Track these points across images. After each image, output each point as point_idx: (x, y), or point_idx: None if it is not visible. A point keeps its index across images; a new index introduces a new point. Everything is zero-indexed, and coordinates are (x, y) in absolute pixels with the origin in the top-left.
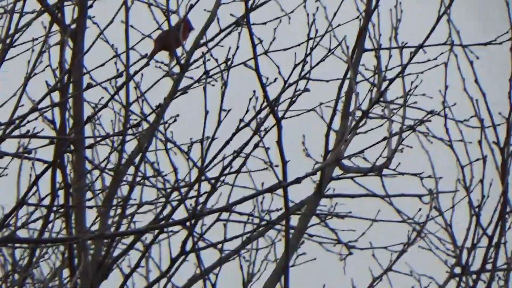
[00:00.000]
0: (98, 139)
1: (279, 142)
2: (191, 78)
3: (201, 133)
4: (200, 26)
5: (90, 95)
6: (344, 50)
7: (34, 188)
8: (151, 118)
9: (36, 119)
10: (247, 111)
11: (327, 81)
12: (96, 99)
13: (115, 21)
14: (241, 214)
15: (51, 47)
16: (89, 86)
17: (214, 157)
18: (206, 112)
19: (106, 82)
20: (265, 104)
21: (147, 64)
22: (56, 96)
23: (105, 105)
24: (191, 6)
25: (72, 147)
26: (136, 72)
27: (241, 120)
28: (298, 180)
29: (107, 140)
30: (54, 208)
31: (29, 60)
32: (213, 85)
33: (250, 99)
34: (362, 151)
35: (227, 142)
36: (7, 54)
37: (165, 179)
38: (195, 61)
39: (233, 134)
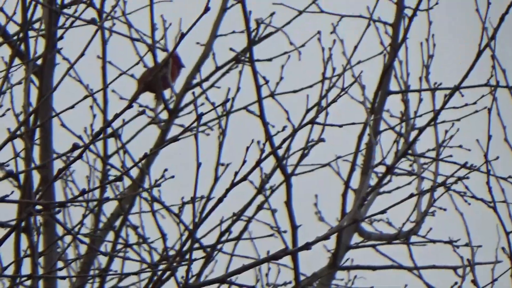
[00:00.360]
0: (71, 197)
1: (288, 203)
2: (182, 125)
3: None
4: (193, 63)
5: (59, 145)
6: (365, 92)
7: None
8: (134, 173)
9: None
10: (243, 164)
11: (340, 126)
12: (67, 149)
13: (89, 55)
14: (241, 286)
15: (13, 86)
16: (75, 147)
17: (205, 218)
18: (198, 166)
19: (80, 129)
20: (271, 156)
21: (128, 107)
22: (19, 144)
23: (79, 157)
24: (181, 36)
25: (39, 207)
26: (115, 117)
27: (238, 176)
28: (307, 246)
29: (81, 199)
30: (18, 280)
31: None
32: (208, 134)
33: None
34: (383, 211)
35: (220, 200)
36: None
37: (152, 246)
38: (186, 105)
39: (227, 190)
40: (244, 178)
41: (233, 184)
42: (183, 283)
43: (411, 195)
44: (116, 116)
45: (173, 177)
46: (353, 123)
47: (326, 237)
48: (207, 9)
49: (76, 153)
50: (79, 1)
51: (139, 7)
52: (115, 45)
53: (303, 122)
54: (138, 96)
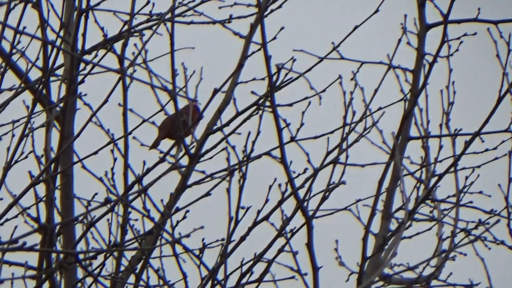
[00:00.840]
0: (99, 249)
1: (309, 245)
2: (203, 172)
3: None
4: (213, 110)
5: (80, 187)
6: (385, 137)
7: None
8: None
9: (16, 216)
10: (266, 203)
11: (363, 165)
12: (87, 194)
13: (110, 101)
14: None
15: (34, 130)
16: (107, 201)
17: (226, 258)
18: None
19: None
20: (292, 200)
21: (159, 162)
22: (41, 188)
23: (110, 210)
24: (214, 92)
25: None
26: (147, 172)
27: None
28: None
29: (101, 242)
30: None
31: (8, 147)
32: (228, 181)
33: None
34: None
35: (242, 239)
36: None
37: None
38: (207, 151)
39: (250, 229)
40: (266, 218)
41: (255, 223)
42: None
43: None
44: (148, 170)
45: (188, 211)
46: (375, 163)
47: None
48: (241, 65)
49: (97, 197)
50: (100, 47)
51: (160, 55)
52: (135, 92)
53: (324, 163)
54: (159, 143)
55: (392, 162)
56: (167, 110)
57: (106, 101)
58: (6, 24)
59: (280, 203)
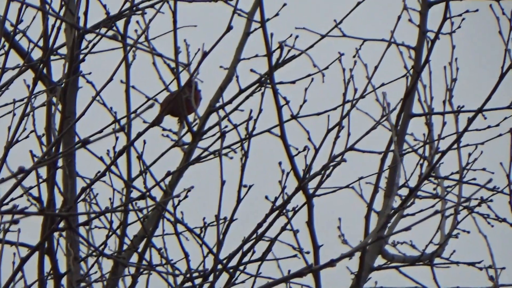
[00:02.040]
0: (94, 216)
1: (309, 224)
2: (205, 149)
3: (218, 209)
4: (216, 87)
5: (82, 166)
6: (388, 114)
7: (19, 275)
8: (158, 195)
9: (21, 196)
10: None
11: (367, 151)
12: (90, 173)
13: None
14: None
15: (35, 109)
16: (85, 141)
17: (223, 238)
18: (222, 184)
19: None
20: (293, 178)
21: (151, 126)
22: (43, 169)
23: (102, 175)
24: (204, 55)
25: (62, 226)
26: (138, 136)
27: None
28: (332, 263)
29: (104, 220)
30: None
31: (9, 126)
32: (231, 158)
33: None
34: (408, 228)
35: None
36: None
37: (175, 267)
38: (210, 128)
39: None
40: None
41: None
42: None
43: (436, 212)
44: (139, 134)
45: (192, 187)
46: (378, 153)
47: (350, 254)
48: (229, 28)
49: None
50: (102, 25)
51: (162, 33)
52: (137, 70)
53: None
54: (161, 119)
55: (395, 139)
56: (169, 87)
57: (110, 79)
58: None
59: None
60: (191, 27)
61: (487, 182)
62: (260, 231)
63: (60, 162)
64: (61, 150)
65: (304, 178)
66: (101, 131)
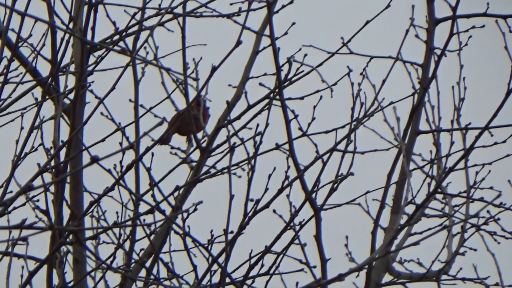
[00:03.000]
0: (101, 230)
1: (317, 237)
2: (213, 166)
3: (224, 226)
4: (225, 105)
5: (90, 182)
6: (395, 132)
7: None
8: (163, 208)
9: (24, 204)
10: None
11: (363, 153)
12: (97, 187)
13: (122, 98)
14: None
15: (43, 122)
16: (94, 160)
17: (230, 250)
18: (231, 198)
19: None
20: (301, 191)
21: (158, 141)
22: (49, 179)
23: (111, 189)
24: (213, 70)
25: (70, 240)
26: (146, 150)
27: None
28: (340, 277)
29: (112, 236)
30: None
31: (17, 140)
32: (240, 177)
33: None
34: (416, 243)
35: (243, 227)
36: None
37: (183, 279)
38: (218, 145)
39: (250, 218)
40: (266, 206)
41: (255, 212)
42: None
43: (444, 227)
44: (148, 149)
45: (201, 201)
46: (376, 150)
47: (359, 268)
48: (238, 43)
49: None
50: (111, 40)
51: (170, 51)
52: (146, 89)
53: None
54: (170, 138)
55: (401, 155)
56: (178, 106)
57: (113, 88)
58: (13, 9)
59: (280, 191)
60: (201, 45)
61: (495, 197)
62: (267, 244)
63: (68, 178)
64: (69, 167)
65: (312, 191)
66: (104, 140)
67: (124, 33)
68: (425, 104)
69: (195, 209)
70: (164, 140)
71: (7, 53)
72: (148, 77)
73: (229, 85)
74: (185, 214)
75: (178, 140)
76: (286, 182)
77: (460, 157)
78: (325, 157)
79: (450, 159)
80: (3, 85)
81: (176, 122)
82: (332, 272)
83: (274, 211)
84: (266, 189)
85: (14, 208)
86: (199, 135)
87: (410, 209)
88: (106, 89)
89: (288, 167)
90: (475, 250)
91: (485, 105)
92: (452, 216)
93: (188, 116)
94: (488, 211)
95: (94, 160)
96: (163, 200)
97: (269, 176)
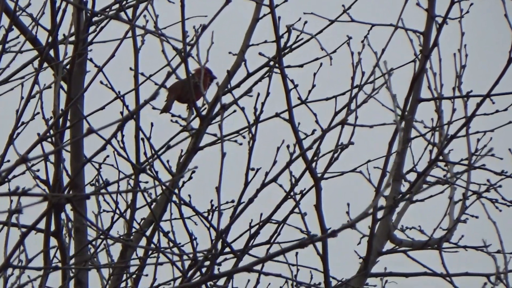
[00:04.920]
0: (92, 192)
1: (317, 207)
2: (214, 134)
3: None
4: (225, 73)
5: (89, 151)
6: (396, 98)
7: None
8: (164, 178)
9: (23, 173)
10: (274, 164)
11: (371, 126)
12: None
13: (122, 67)
14: (267, 274)
15: (43, 90)
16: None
17: (234, 221)
18: (223, 156)
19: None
20: (301, 161)
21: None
22: (49, 148)
23: (103, 148)
24: (203, 28)
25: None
26: (167, 148)
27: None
28: (333, 233)
29: (113, 205)
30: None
31: (17, 109)
32: (241, 144)
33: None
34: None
35: (250, 201)
36: None
37: (182, 250)
38: (218, 113)
39: (258, 191)
40: (274, 179)
41: (263, 185)
42: (208, 274)
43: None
44: (168, 147)
45: (196, 167)
46: (384, 124)
47: (352, 224)
48: (228, 1)
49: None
50: (110, 9)
51: (170, 21)
52: (147, 57)
53: (332, 124)
54: (170, 106)
55: (402, 123)
56: (179, 74)
57: (113, 55)
58: None
59: (288, 164)
60: (201, 17)
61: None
62: (267, 214)
63: (68, 147)
64: (69, 136)
65: (312, 161)
66: (103, 108)
67: (124, 2)
68: (427, 71)
69: (191, 177)
70: (165, 108)
71: (6, 21)
72: (148, 47)
73: (229, 53)
74: (180, 183)
75: (179, 108)
76: (293, 156)
77: (461, 125)
78: (325, 127)
79: (451, 127)
80: (1, 54)
81: (176, 91)
82: (333, 242)
83: (274, 180)
84: (275, 162)
85: (14, 176)
86: (200, 103)
87: (412, 177)
88: (106, 57)
89: (295, 145)
90: (476, 217)
91: (487, 73)
92: (453, 184)
93: (188, 84)
94: (488, 180)
95: (91, 131)
96: (155, 159)
97: (278, 149)
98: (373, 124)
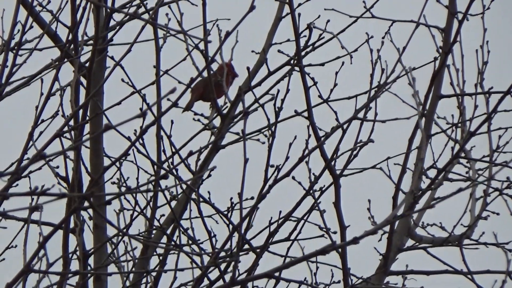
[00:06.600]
0: (113, 196)
1: (336, 204)
2: (237, 133)
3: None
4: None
5: (110, 149)
6: (417, 94)
7: (42, 253)
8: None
9: (40, 168)
10: (287, 160)
11: (383, 121)
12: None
13: (145, 67)
14: (289, 281)
15: (63, 88)
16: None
17: (247, 216)
18: (245, 164)
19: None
20: (320, 159)
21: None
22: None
23: (126, 153)
24: (227, 34)
25: (84, 206)
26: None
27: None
28: (355, 240)
29: (133, 202)
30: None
31: (37, 106)
32: (263, 143)
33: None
34: (431, 206)
35: (263, 197)
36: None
37: (202, 248)
38: (240, 112)
39: (270, 186)
40: (287, 174)
41: (276, 181)
42: (230, 279)
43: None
44: (190, 153)
45: (215, 167)
46: (396, 118)
47: (374, 231)
48: (252, 8)
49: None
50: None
51: (193, 23)
52: (169, 55)
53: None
54: (192, 104)
55: (423, 119)
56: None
57: (129, 50)
58: None
59: (300, 159)
60: (225, 19)
61: None
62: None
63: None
64: (88, 130)
65: (332, 159)
66: (119, 103)
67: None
68: (449, 67)
69: (209, 175)
70: (187, 106)
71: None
72: (170, 46)
73: (252, 51)
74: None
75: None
76: (307, 151)
77: (482, 121)
78: (345, 125)
79: (473, 123)
80: (18, 49)
81: (199, 90)
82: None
83: (293, 177)
84: (287, 158)
85: (30, 172)
86: (221, 102)
87: (434, 173)
88: (128, 58)
89: (309, 135)
90: (497, 214)
91: (509, 69)
92: (475, 181)
93: (211, 83)
94: (508, 177)
95: (109, 127)
96: (180, 163)
97: (290, 144)
98: (386, 119)
